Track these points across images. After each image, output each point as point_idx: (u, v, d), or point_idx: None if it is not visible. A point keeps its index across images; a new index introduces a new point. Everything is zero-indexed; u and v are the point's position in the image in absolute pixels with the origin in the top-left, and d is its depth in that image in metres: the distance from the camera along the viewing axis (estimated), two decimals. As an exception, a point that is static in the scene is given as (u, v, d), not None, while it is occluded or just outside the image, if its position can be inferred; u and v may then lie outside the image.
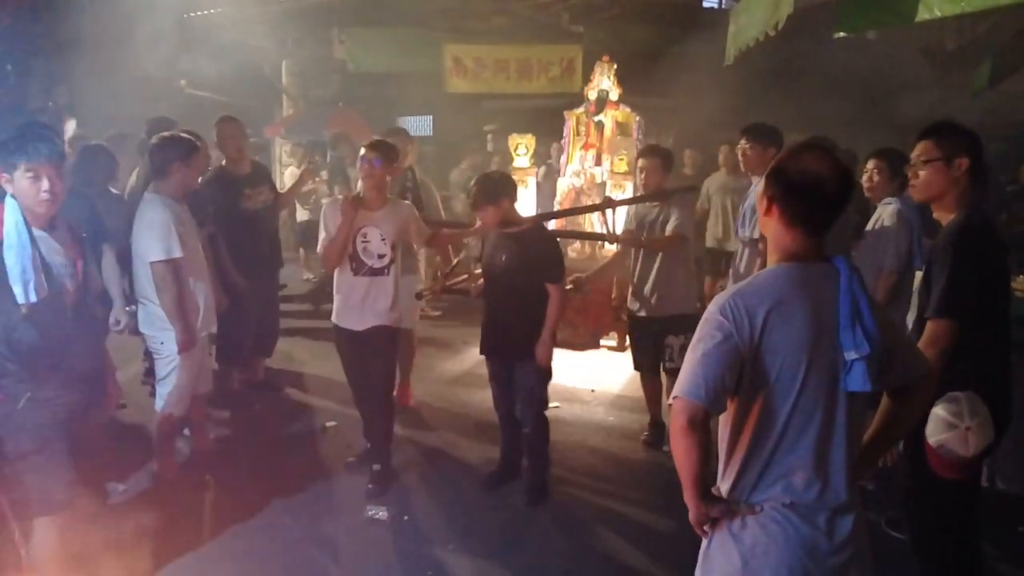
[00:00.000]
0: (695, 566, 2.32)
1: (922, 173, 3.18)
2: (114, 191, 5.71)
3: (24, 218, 3.10)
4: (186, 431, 5.16)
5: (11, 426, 3.16)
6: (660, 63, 10.98)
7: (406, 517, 4.49)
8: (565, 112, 8.25)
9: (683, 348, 4.36)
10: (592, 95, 7.96)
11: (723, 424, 2.24)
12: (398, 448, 5.19)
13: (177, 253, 4.40)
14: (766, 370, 2.10)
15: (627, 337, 6.15)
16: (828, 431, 2.12)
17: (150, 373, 4.98)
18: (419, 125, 17.27)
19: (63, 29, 5.96)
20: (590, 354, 7.64)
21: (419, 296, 5.37)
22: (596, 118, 7.88)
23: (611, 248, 6.05)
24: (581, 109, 8.05)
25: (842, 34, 5.26)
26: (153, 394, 4.83)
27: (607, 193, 7.44)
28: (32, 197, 3.11)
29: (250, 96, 14.57)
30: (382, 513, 4.47)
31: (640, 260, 5.35)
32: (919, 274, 3.81)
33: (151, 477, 4.80)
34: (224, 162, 5.91)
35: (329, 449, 5.45)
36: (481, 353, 4.79)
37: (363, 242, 4.62)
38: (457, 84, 12.76)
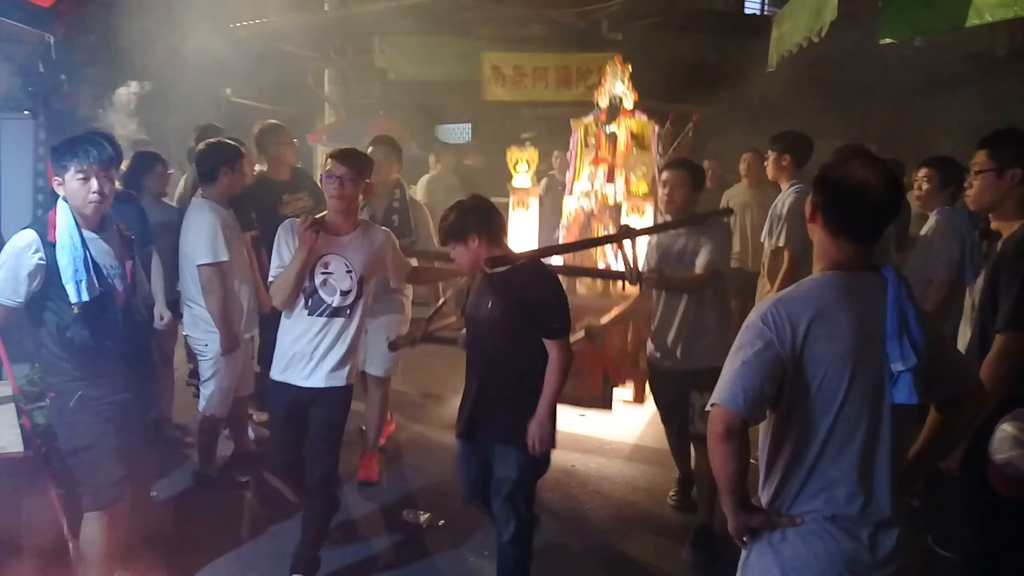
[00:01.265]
0: None
1: (975, 183, 3.14)
2: (165, 200, 5.79)
3: (76, 220, 3.18)
4: (227, 432, 5.23)
5: (63, 423, 3.24)
6: (700, 70, 10.92)
7: (442, 522, 4.52)
8: (571, 120, 6.94)
9: (707, 409, 3.73)
10: (603, 101, 6.68)
11: (763, 433, 2.21)
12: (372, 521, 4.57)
13: (223, 256, 4.46)
14: (808, 380, 2.07)
15: (646, 388, 5.32)
16: (872, 444, 2.09)
17: (194, 375, 5.06)
18: (458, 133, 17.38)
19: (114, 39, 6.09)
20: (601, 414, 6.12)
21: (393, 347, 4.54)
22: (608, 128, 6.59)
23: (629, 284, 4.69)
24: (591, 117, 6.72)
25: (887, 40, 5.20)
26: (197, 395, 4.91)
27: (623, 217, 6.16)
28: (81, 198, 3.18)
29: (293, 104, 14.75)
30: (423, 516, 4.51)
31: (663, 299, 4.42)
32: (971, 286, 3.75)
33: (193, 476, 4.87)
34: (266, 168, 5.99)
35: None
36: (457, 435, 3.62)
37: (324, 274, 3.72)
38: (496, 92, 12.79)
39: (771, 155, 5.39)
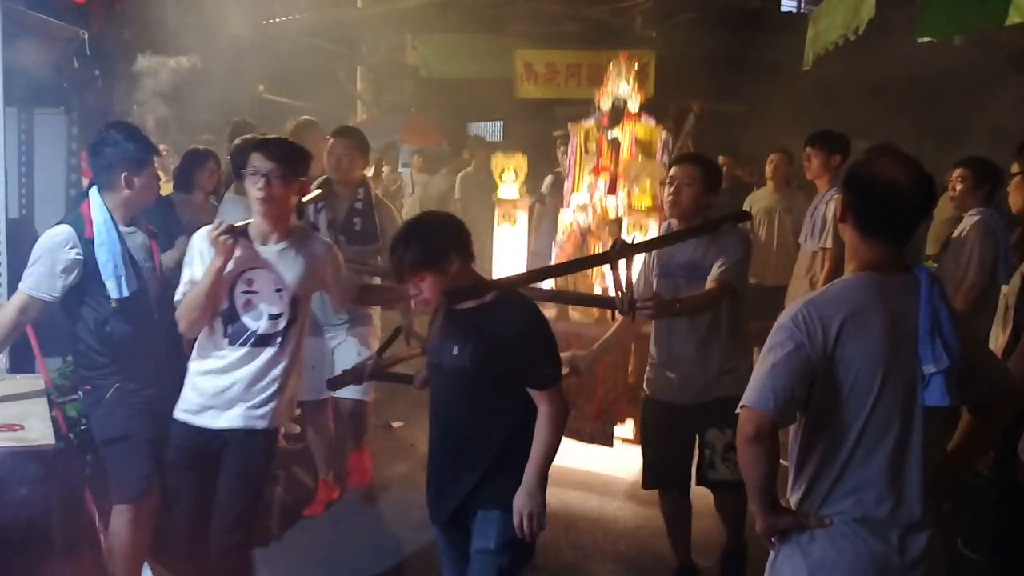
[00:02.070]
0: None
1: (1011, 187, 3.10)
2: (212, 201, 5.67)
3: (111, 215, 3.23)
4: None
5: (98, 415, 3.27)
6: (734, 68, 10.82)
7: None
8: (569, 124, 6.23)
9: (729, 448, 3.43)
10: (605, 104, 5.80)
11: (793, 435, 2.19)
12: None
13: None
14: (839, 382, 2.05)
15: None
16: (903, 446, 2.06)
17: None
18: (490, 131, 17.40)
19: (149, 35, 6.16)
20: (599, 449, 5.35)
21: (332, 385, 3.59)
22: (610, 134, 5.76)
23: None
24: (591, 121, 5.94)
25: (926, 39, 5.11)
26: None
27: (623, 234, 5.26)
28: (115, 199, 3.24)
29: (325, 101, 14.86)
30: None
31: (664, 323, 3.65)
32: (1005, 288, 3.69)
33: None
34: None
35: (395, 448, 5.50)
36: (432, 518, 2.89)
37: (246, 292, 3.05)
38: (528, 90, 12.77)
39: (817, 154, 5.22)
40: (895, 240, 2.12)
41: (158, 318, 3.32)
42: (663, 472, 3.71)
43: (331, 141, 4.52)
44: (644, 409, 3.82)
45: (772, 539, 2.20)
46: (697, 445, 3.65)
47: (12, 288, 3.43)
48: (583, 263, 4.60)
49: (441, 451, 2.79)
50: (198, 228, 3.19)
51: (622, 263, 3.31)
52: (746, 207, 6.44)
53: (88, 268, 3.16)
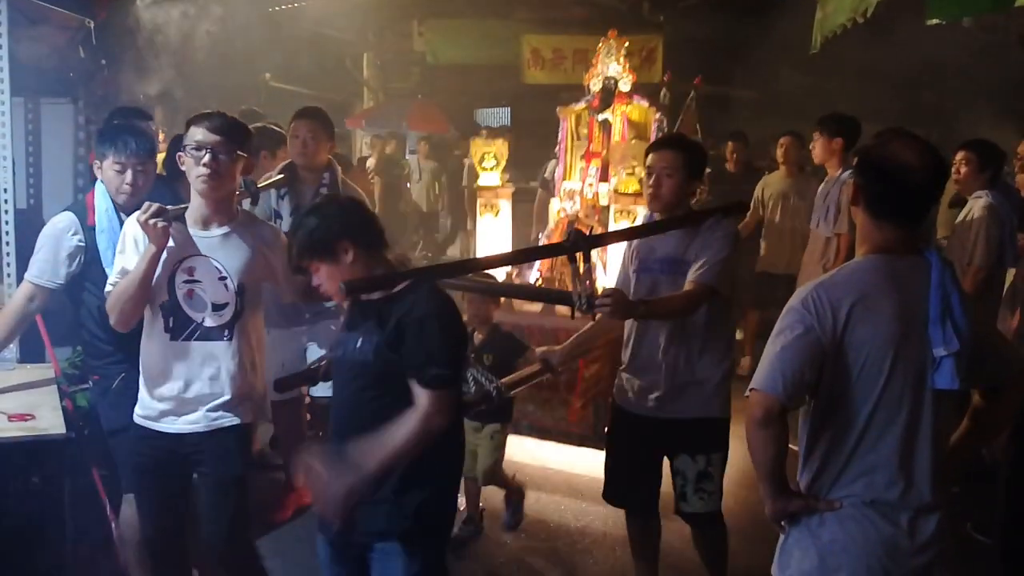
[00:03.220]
0: None
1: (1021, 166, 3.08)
2: None
3: (114, 203, 3.24)
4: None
5: (106, 404, 3.29)
6: (742, 52, 10.76)
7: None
8: (559, 109, 5.95)
9: (702, 478, 3.15)
10: (595, 85, 5.55)
11: (803, 418, 2.18)
12: None
13: None
14: (849, 365, 2.04)
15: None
16: (913, 429, 2.06)
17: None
18: (498, 117, 17.36)
19: (154, 24, 6.14)
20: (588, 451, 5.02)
21: (279, 386, 3.32)
22: (600, 116, 5.50)
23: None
24: (582, 104, 5.68)
25: (935, 21, 5.07)
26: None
27: (611, 223, 5.05)
28: (115, 187, 3.24)
29: (332, 89, 14.85)
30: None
31: (636, 324, 3.26)
32: (1012, 271, 3.68)
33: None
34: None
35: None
36: (320, 531, 2.60)
37: (187, 282, 2.82)
38: (535, 75, 12.75)
39: (820, 138, 5.20)
40: (907, 223, 2.10)
41: None
42: (624, 491, 3.36)
43: (293, 123, 4.30)
44: (611, 417, 3.52)
45: (782, 523, 2.20)
46: (670, 470, 3.28)
47: (20, 277, 3.45)
48: (527, 254, 3.97)
49: (339, 457, 2.36)
50: None
51: (580, 256, 2.90)
52: (758, 192, 6.43)
53: (90, 255, 3.19)
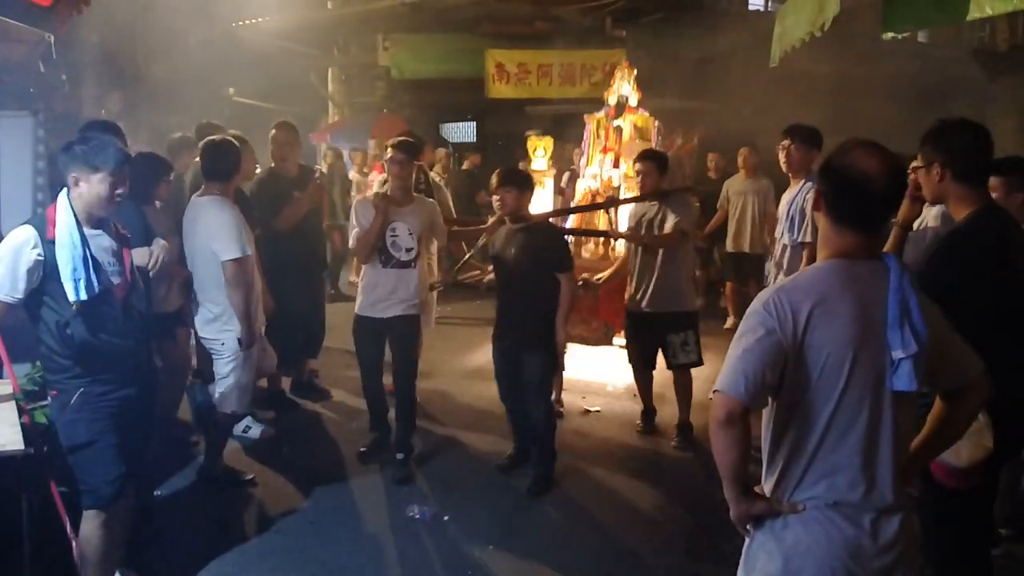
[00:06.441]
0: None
1: None
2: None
3: (76, 218, 3.19)
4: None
5: (64, 420, 3.24)
6: (703, 67, 10.90)
7: (446, 517, 4.50)
8: (585, 116, 8.30)
9: (684, 345, 5.48)
10: (612, 100, 7.99)
11: (765, 421, 2.21)
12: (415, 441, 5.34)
13: (249, 251, 4.45)
14: (809, 367, 2.07)
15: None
16: (874, 431, 2.09)
17: (198, 374, 5.04)
18: (462, 131, 17.37)
19: (116, 39, 6.08)
20: (603, 350, 7.60)
21: (432, 287, 5.68)
22: (615, 122, 7.90)
23: (622, 249, 6.51)
24: (602, 113, 8.10)
25: (891, 35, 5.16)
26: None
27: (621, 195, 7.55)
28: (105, 200, 3.23)
29: (297, 103, 14.79)
30: (422, 512, 4.50)
31: (640, 257, 5.57)
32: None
33: (198, 473, 4.87)
34: (273, 164, 6.02)
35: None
36: (493, 343, 4.99)
37: (392, 236, 4.92)
38: (500, 90, 12.79)
39: (789, 146, 5.17)
40: (866, 229, 2.15)
41: (125, 321, 3.29)
42: (638, 356, 5.77)
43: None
44: (627, 318, 5.84)
45: (747, 526, 2.22)
46: (664, 344, 5.54)
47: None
48: (588, 207, 7.54)
49: (503, 312, 4.94)
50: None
51: (612, 212, 6.81)
52: (723, 190, 8.80)
53: (49, 269, 3.14)
